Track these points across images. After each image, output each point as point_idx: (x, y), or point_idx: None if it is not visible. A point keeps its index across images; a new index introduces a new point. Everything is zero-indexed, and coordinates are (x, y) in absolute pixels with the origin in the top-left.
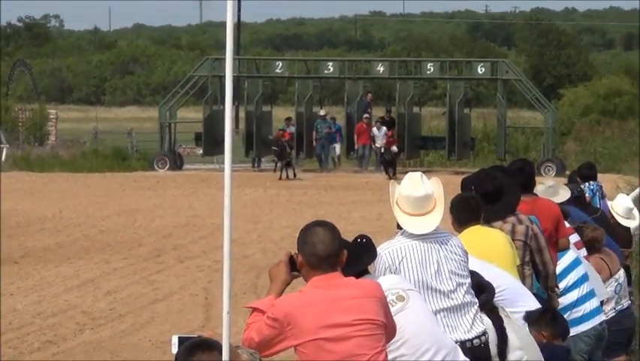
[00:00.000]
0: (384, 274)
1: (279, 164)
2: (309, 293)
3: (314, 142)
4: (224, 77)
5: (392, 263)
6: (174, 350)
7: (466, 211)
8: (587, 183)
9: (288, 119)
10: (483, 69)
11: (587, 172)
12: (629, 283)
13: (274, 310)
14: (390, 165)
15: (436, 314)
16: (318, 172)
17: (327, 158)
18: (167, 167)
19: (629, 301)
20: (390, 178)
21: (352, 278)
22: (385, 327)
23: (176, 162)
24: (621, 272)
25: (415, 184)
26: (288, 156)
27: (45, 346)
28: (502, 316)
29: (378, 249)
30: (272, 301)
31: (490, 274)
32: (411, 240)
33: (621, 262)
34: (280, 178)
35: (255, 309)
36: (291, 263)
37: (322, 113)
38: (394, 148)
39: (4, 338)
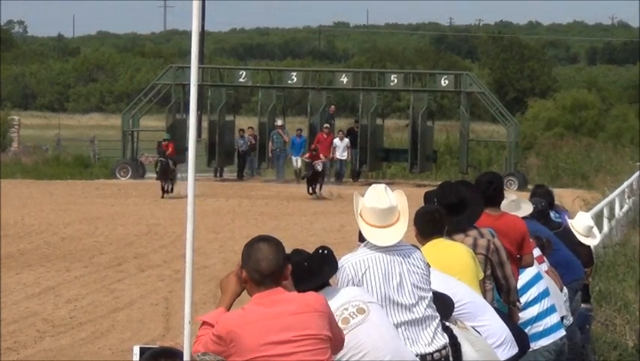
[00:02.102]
0: (346, 286)
1: (162, 181)
2: (251, 311)
3: (269, 153)
4: (187, 85)
5: (355, 275)
6: (135, 359)
7: (429, 224)
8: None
9: (250, 128)
10: (447, 82)
11: (539, 191)
12: (587, 301)
13: (218, 327)
14: (312, 182)
15: (397, 327)
16: (279, 182)
17: (282, 168)
18: (129, 175)
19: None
20: (312, 194)
21: (295, 293)
22: (330, 340)
23: (139, 171)
24: (565, 290)
25: (379, 196)
26: (172, 173)
27: (5, 353)
28: (456, 327)
29: (341, 260)
30: (221, 315)
31: (452, 287)
32: (374, 252)
33: (583, 278)
34: (163, 195)
35: (204, 322)
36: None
37: (279, 123)
38: (319, 166)
39: None
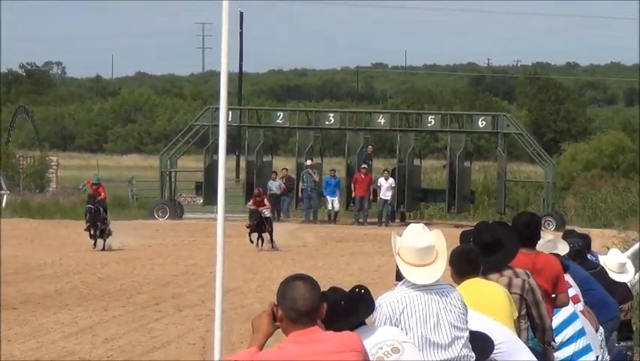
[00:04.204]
0: (384, 325)
1: (91, 230)
2: (288, 349)
3: (300, 193)
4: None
5: (393, 314)
6: None
7: (465, 263)
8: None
9: (284, 169)
10: (484, 122)
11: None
12: (628, 338)
13: None
14: (258, 231)
15: None
16: (315, 223)
17: (315, 209)
18: (167, 216)
19: (608, 357)
20: (257, 245)
21: (331, 333)
22: None
23: (176, 211)
24: (601, 330)
25: (417, 235)
26: (103, 221)
27: None
28: None
29: (378, 299)
30: (253, 354)
31: (488, 327)
32: (412, 290)
33: (618, 317)
34: (95, 245)
35: None
36: (275, 314)
37: (308, 163)
38: (266, 212)
39: None
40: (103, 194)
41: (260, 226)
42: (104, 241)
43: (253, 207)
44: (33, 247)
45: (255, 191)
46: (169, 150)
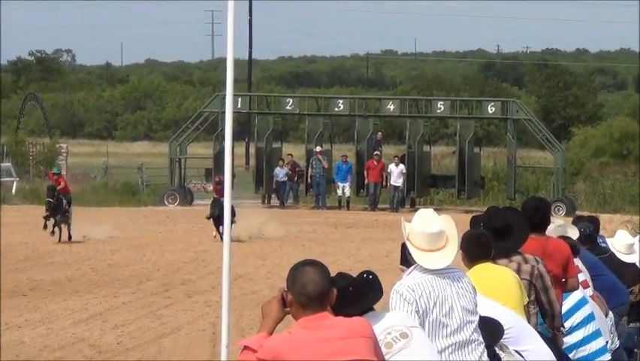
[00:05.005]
0: (404, 310)
1: (50, 220)
2: (298, 334)
3: (309, 179)
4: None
5: (412, 298)
6: None
7: (476, 248)
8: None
9: (289, 155)
10: (493, 108)
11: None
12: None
13: (263, 351)
14: (219, 222)
15: (444, 350)
16: (329, 209)
17: (324, 195)
18: (177, 202)
19: (618, 342)
20: (216, 236)
21: (341, 318)
22: None
23: (186, 198)
24: (610, 314)
25: (427, 220)
26: (64, 213)
27: None
28: (503, 353)
29: (396, 286)
30: (263, 339)
31: (497, 312)
32: (426, 275)
33: (628, 302)
34: (55, 236)
35: (245, 347)
36: (284, 299)
37: (318, 149)
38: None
39: None
40: (63, 183)
41: (220, 217)
42: (67, 230)
43: (215, 197)
44: (43, 234)
45: (216, 178)
46: (178, 137)
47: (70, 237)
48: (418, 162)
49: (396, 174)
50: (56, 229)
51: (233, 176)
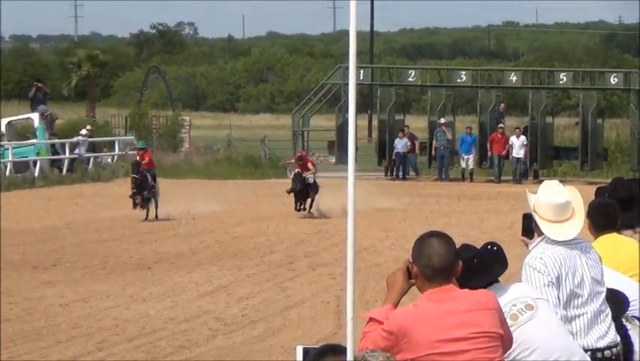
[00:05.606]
0: (540, 281)
1: (137, 197)
2: (424, 307)
3: (433, 151)
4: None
5: (546, 270)
6: (299, 359)
7: (603, 217)
8: None
9: (406, 127)
10: (616, 79)
11: None
12: None
13: (389, 323)
14: (301, 197)
15: (572, 320)
16: (451, 181)
17: (447, 167)
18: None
19: None
20: (299, 211)
21: (466, 290)
22: (501, 338)
23: None
24: None
25: (554, 191)
26: (151, 189)
27: (177, 351)
28: (630, 325)
29: (528, 259)
30: (388, 311)
31: (623, 284)
32: (556, 246)
33: None
34: (143, 214)
35: (371, 319)
36: (409, 271)
37: (442, 121)
38: (310, 178)
39: (136, 343)
40: (147, 159)
41: (303, 191)
42: (155, 209)
43: (297, 171)
44: (166, 207)
45: (297, 154)
46: (301, 109)
47: (157, 215)
48: (541, 133)
49: (518, 145)
50: (144, 205)
51: (357, 148)
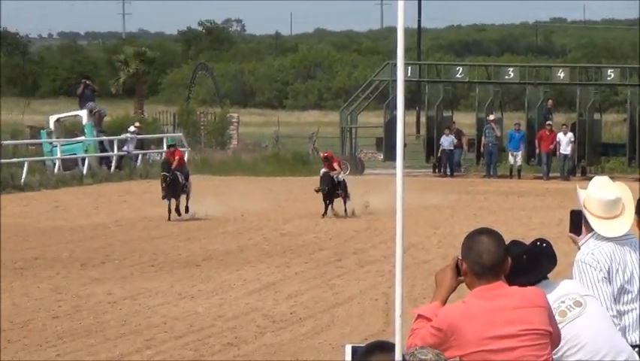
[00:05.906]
0: (593, 277)
1: (165, 199)
2: (473, 304)
3: (482, 148)
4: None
5: (598, 266)
6: (348, 359)
7: None
8: None
9: (453, 123)
10: None
11: None
12: None
13: (438, 320)
14: (330, 198)
15: (622, 315)
16: (499, 178)
17: (495, 164)
18: (348, 171)
19: None
20: (325, 215)
21: (515, 288)
22: (550, 335)
23: (357, 167)
24: None
25: (604, 187)
26: (183, 188)
27: (226, 348)
28: None
29: (579, 255)
30: (437, 308)
31: None
32: (606, 242)
33: None
34: (170, 217)
35: (419, 315)
36: (458, 268)
37: (491, 117)
38: (339, 176)
39: (184, 341)
40: (179, 158)
41: (332, 192)
42: (186, 206)
43: (325, 171)
44: (215, 204)
45: (323, 154)
46: (349, 106)
47: (187, 209)
48: (589, 130)
49: (565, 142)
50: (173, 204)
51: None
